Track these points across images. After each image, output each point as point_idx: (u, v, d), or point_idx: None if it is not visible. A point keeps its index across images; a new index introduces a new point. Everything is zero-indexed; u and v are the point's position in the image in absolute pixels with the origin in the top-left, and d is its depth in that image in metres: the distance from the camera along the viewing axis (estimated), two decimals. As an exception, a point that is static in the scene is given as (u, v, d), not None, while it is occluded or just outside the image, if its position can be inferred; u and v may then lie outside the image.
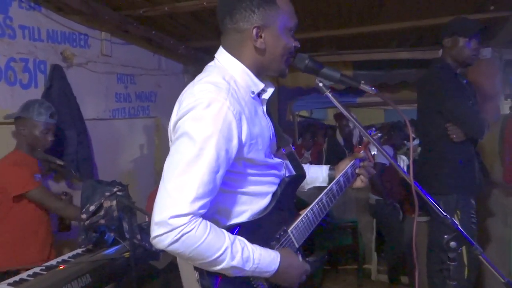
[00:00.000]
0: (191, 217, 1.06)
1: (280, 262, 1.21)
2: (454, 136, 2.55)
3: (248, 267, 1.15)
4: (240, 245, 1.14)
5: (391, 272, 4.27)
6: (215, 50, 1.33)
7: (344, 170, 1.53)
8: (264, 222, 1.28)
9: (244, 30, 1.21)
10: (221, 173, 1.12)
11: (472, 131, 2.56)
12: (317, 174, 1.59)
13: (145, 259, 2.41)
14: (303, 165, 1.50)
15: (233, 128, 1.12)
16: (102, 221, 2.31)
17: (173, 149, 1.13)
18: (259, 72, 1.27)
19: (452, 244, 1.21)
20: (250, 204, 1.26)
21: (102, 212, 2.28)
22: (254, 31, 1.20)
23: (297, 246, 1.36)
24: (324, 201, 1.44)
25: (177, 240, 1.05)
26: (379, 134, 1.71)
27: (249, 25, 1.20)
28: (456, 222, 2.56)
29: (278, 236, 1.31)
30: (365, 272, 4.38)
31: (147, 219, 3.00)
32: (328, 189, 1.46)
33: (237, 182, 1.23)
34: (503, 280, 1.17)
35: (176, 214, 1.04)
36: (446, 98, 2.54)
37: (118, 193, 2.26)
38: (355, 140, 5.36)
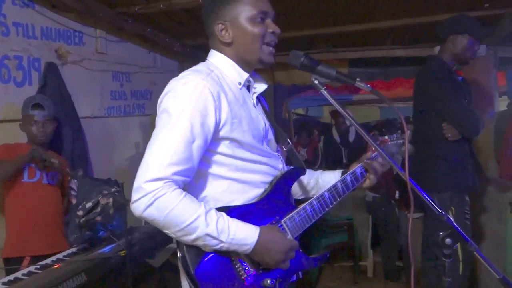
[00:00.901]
0: (165, 182, 1.10)
1: (259, 235, 1.18)
2: (449, 135, 2.56)
3: (224, 237, 1.14)
4: (216, 215, 1.15)
5: (387, 269, 4.28)
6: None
7: (352, 170, 1.51)
8: (255, 209, 1.27)
9: (214, 31, 1.32)
10: (198, 143, 1.16)
11: (467, 131, 2.57)
12: (329, 178, 1.56)
13: (141, 257, 2.40)
14: (317, 171, 1.53)
15: (208, 104, 1.18)
16: (99, 218, 2.32)
17: (155, 127, 1.20)
18: (243, 64, 1.34)
19: (447, 240, 1.21)
20: (240, 193, 1.28)
21: (98, 209, 2.28)
22: (218, 27, 1.30)
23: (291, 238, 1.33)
24: (327, 198, 1.41)
25: (151, 204, 1.08)
26: (400, 140, 1.67)
27: (215, 23, 1.31)
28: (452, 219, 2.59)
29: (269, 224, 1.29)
30: (361, 268, 4.40)
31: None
32: (332, 186, 1.44)
33: (226, 166, 1.26)
34: (498, 276, 1.18)
35: (149, 179, 1.09)
36: (442, 97, 2.54)
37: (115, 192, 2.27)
38: (351, 137, 5.36)
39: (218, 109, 1.19)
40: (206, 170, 1.25)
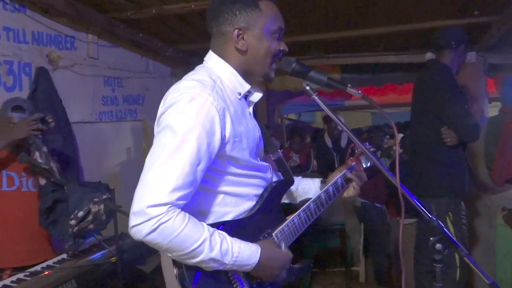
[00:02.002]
0: (169, 207, 1.06)
1: (260, 255, 1.20)
2: (448, 139, 2.58)
3: (227, 260, 1.14)
4: (219, 237, 1.14)
5: (378, 274, 4.29)
6: (203, 53, 1.35)
7: (333, 180, 1.54)
8: (248, 223, 1.28)
9: (226, 32, 1.26)
10: (202, 166, 1.12)
11: (468, 136, 2.60)
12: (309, 186, 1.60)
13: (131, 263, 2.38)
14: (295, 177, 1.52)
15: (215, 123, 1.14)
16: (91, 226, 2.29)
17: (155, 141, 1.14)
18: (245, 74, 1.30)
19: (438, 246, 1.22)
20: (234, 206, 1.27)
21: (90, 217, 2.26)
22: (235, 32, 1.24)
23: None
24: (312, 209, 1.44)
25: (154, 230, 1.05)
26: (372, 149, 1.72)
27: (231, 27, 1.25)
28: (449, 225, 2.61)
29: (261, 238, 1.30)
30: (353, 274, 4.40)
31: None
32: (316, 197, 1.47)
33: (221, 181, 1.24)
34: (488, 282, 1.19)
35: (154, 204, 1.04)
36: (446, 102, 2.57)
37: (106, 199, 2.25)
38: (343, 143, 5.38)
39: (223, 128, 1.15)
40: (201, 184, 1.20)
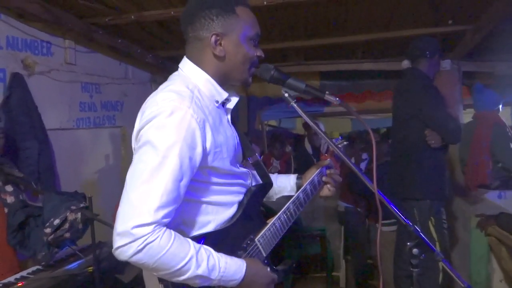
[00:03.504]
0: (155, 226, 1.04)
1: (246, 270, 1.20)
2: (433, 142, 2.63)
3: (214, 275, 1.13)
4: (206, 254, 1.13)
5: (358, 279, 4.32)
6: (182, 59, 1.33)
7: (310, 178, 1.55)
8: (231, 232, 1.27)
9: (204, 38, 1.23)
10: (185, 181, 1.11)
11: (451, 137, 2.67)
12: (284, 184, 1.61)
13: (109, 273, 2.33)
14: (271, 174, 1.51)
15: (196, 136, 1.12)
16: (67, 235, 2.24)
17: (136, 158, 1.12)
18: (222, 81, 1.28)
19: (415, 250, 1.24)
20: (216, 214, 1.26)
21: (66, 226, 2.20)
22: (213, 38, 1.22)
23: (264, 255, 1.35)
24: (292, 210, 1.45)
25: (140, 251, 1.03)
26: (344, 142, 1.75)
27: (208, 33, 1.22)
28: (431, 229, 2.65)
29: (245, 246, 1.30)
30: (334, 279, 4.42)
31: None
32: (295, 198, 1.47)
33: (202, 191, 1.22)
34: (463, 285, 1.21)
35: (139, 224, 1.02)
36: (427, 105, 2.64)
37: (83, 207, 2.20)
38: (324, 149, 5.43)
39: (204, 140, 1.14)
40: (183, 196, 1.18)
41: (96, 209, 2.26)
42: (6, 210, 2.29)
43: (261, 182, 1.44)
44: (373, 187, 1.24)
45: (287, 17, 3.19)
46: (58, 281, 2.04)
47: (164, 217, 1.06)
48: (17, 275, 2.12)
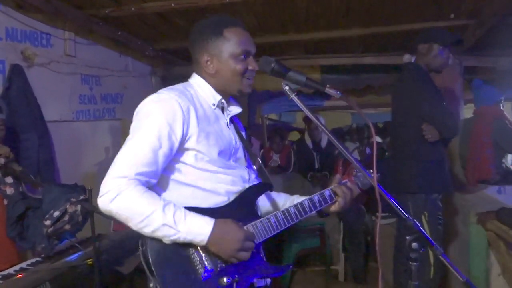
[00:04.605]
0: (128, 179, 1.20)
1: (214, 225, 1.24)
2: (430, 136, 2.62)
3: (181, 227, 1.21)
4: (174, 207, 1.24)
5: (355, 272, 4.34)
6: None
7: (321, 191, 1.54)
8: (219, 213, 1.31)
9: (199, 59, 1.44)
10: (163, 151, 1.26)
11: (449, 132, 2.66)
12: (303, 199, 1.56)
13: (109, 265, 2.34)
14: (295, 195, 1.59)
15: (177, 117, 1.28)
16: (67, 227, 2.25)
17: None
18: (222, 92, 1.44)
19: (414, 244, 1.24)
20: (203, 200, 1.34)
21: (66, 218, 2.21)
22: (204, 58, 1.42)
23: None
24: (292, 211, 1.45)
25: (114, 198, 1.19)
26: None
27: (201, 54, 1.42)
28: (424, 224, 2.64)
29: None
30: (332, 273, 4.44)
31: (112, 224, 2.93)
32: (299, 202, 1.49)
33: (190, 175, 1.34)
34: (462, 279, 1.21)
35: (115, 176, 1.21)
36: (423, 99, 2.61)
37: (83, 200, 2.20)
38: (323, 143, 5.42)
39: (186, 122, 1.30)
40: (171, 177, 1.34)
41: (96, 201, 2.25)
42: (5, 201, 2.30)
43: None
44: (373, 181, 1.24)
45: (288, 10, 3.17)
46: (58, 273, 2.04)
47: (138, 174, 1.22)
48: (17, 267, 2.12)
